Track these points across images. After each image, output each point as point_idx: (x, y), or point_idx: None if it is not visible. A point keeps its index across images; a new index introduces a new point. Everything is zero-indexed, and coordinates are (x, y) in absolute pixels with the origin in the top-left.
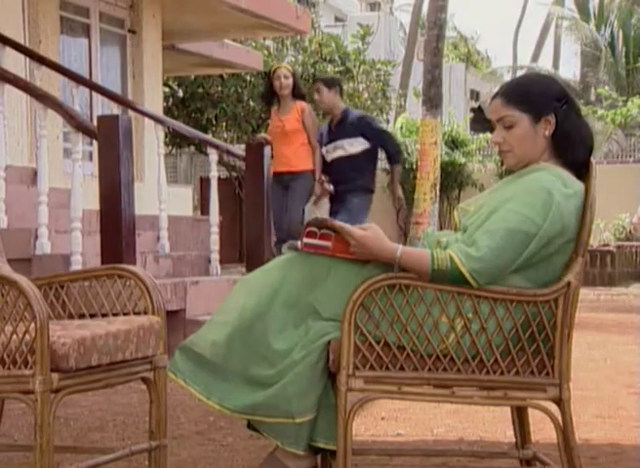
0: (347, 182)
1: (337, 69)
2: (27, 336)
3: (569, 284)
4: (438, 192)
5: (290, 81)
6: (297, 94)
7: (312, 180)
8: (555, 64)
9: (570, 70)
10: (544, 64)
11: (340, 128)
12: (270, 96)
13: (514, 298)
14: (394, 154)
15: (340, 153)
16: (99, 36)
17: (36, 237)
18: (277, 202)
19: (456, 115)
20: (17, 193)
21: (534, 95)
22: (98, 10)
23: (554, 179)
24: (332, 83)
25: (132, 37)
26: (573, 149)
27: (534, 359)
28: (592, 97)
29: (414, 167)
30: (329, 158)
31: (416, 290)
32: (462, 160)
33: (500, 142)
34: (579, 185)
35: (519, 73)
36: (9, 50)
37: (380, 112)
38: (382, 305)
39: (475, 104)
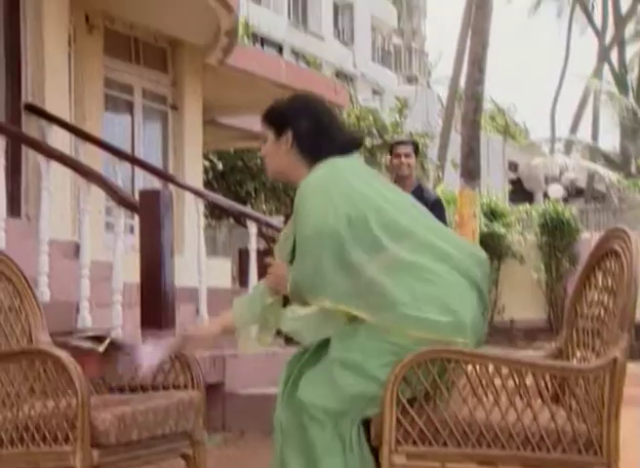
0: None
1: (375, 142)
2: (69, 412)
3: (615, 360)
4: None
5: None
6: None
7: None
8: (594, 136)
9: (609, 142)
10: (583, 136)
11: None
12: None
13: (558, 373)
14: None
15: None
16: (141, 112)
17: (77, 310)
18: None
19: (494, 186)
20: (59, 267)
21: (275, 114)
22: (141, 87)
23: (308, 181)
24: (418, 149)
25: (173, 113)
26: (320, 152)
27: (580, 436)
28: (633, 169)
29: None
30: None
31: (458, 363)
32: (502, 231)
33: (262, 155)
34: (323, 165)
35: (557, 145)
36: (55, 127)
37: None
38: (425, 379)
39: (514, 176)
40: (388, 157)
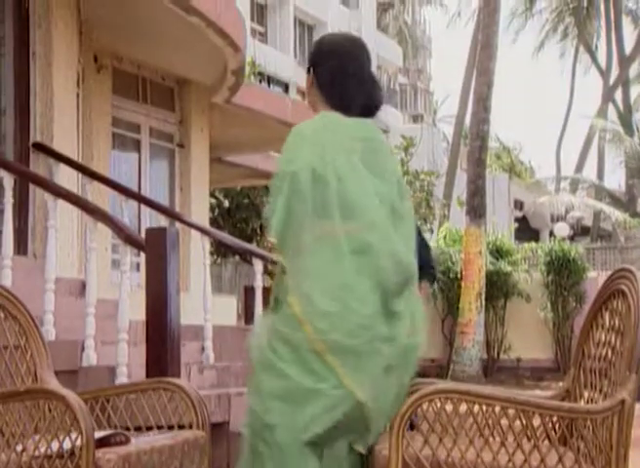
0: None
1: None
2: (73, 453)
3: (623, 401)
4: (484, 302)
5: None
6: None
7: None
8: (600, 175)
9: (615, 181)
10: (589, 175)
11: None
12: None
13: (566, 415)
14: (429, 270)
15: None
16: (148, 150)
17: (83, 349)
18: None
19: (500, 225)
20: (65, 305)
21: (311, 50)
22: (148, 126)
23: (296, 127)
24: None
25: (180, 151)
26: (338, 97)
27: None
28: (639, 208)
29: (458, 276)
30: None
31: (464, 403)
32: (508, 269)
33: None
34: (322, 116)
35: (563, 183)
36: (63, 166)
37: (424, 222)
38: (430, 419)
39: (519, 214)
40: None
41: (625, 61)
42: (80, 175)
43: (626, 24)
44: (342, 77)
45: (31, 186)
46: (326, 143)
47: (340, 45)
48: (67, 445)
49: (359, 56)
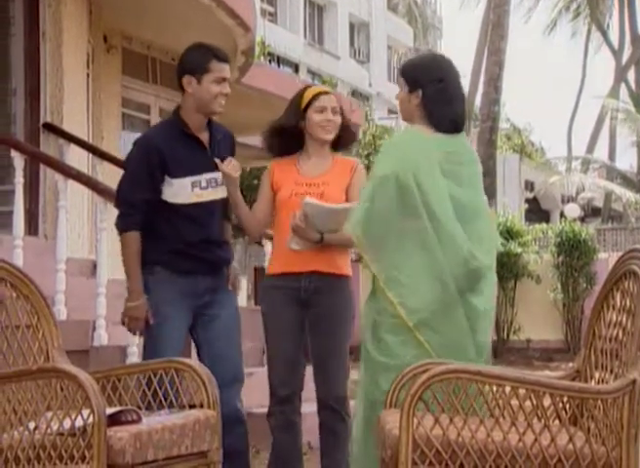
0: None
1: None
2: (85, 431)
3: (634, 381)
4: None
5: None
6: (343, 142)
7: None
8: (611, 156)
9: (627, 161)
10: (600, 155)
11: None
12: (295, 138)
13: (576, 395)
14: None
15: None
16: None
17: (94, 328)
18: (290, 329)
19: (510, 206)
20: (76, 285)
21: (411, 71)
22: (158, 106)
23: (402, 133)
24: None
25: None
26: (435, 117)
27: (599, 459)
28: None
29: None
30: None
31: (474, 383)
32: (518, 250)
33: (397, 98)
34: (407, 131)
35: (574, 163)
36: (73, 146)
37: None
38: (441, 399)
39: (530, 195)
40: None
41: (638, 41)
42: (90, 155)
43: None
44: (448, 99)
45: (42, 167)
46: (410, 155)
47: (441, 67)
48: (79, 423)
49: (456, 77)
